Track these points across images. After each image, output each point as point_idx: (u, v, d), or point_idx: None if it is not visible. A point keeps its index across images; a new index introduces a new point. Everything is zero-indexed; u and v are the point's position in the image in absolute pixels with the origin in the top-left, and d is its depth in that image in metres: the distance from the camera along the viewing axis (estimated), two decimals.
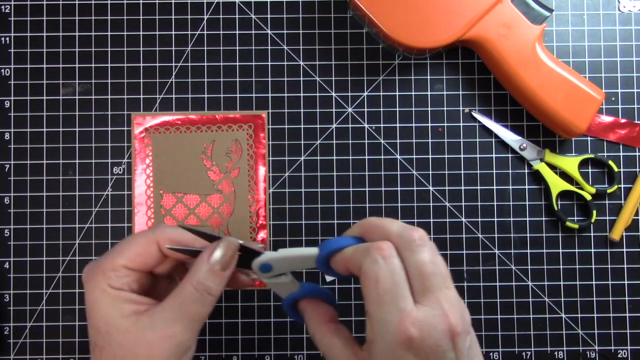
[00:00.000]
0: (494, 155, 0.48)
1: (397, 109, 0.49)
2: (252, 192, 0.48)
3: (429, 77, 0.49)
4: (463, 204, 0.48)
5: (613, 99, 0.49)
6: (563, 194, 0.48)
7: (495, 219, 0.48)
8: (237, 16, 0.49)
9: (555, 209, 0.47)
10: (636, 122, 0.48)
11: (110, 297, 0.33)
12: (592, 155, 0.47)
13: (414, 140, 0.48)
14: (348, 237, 0.34)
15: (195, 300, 0.33)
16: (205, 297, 0.33)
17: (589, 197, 0.46)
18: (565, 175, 0.48)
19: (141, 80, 0.49)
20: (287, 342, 0.48)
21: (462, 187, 0.48)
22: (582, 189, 0.47)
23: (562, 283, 0.48)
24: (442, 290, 0.30)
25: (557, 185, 0.47)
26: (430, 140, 0.48)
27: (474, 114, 0.47)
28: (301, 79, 0.49)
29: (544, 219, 0.48)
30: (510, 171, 0.48)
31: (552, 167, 0.48)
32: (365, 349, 0.31)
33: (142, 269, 0.34)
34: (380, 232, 0.32)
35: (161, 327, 0.32)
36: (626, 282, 0.48)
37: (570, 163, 0.47)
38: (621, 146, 0.48)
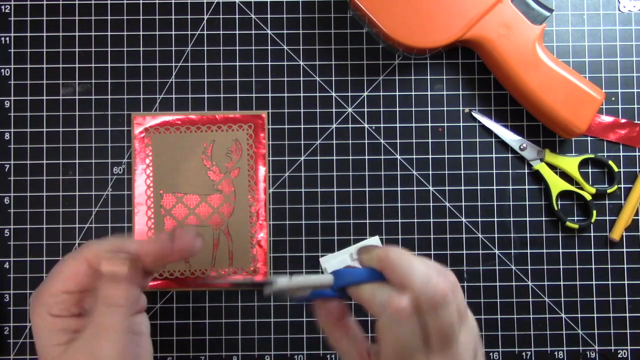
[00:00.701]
0: (494, 155, 0.48)
1: (397, 109, 0.49)
2: (252, 192, 0.48)
3: (429, 77, 0.49)
4: (463, 204, 0.48)
5: (613, 99, 0.49)
6: (563, 194, 0.48)
7: (495, 219, 0.48)
8: (237, 16, 0.49)
9: (555, 209, 0.47)
10: (636, 122, 0.48)
11: (48, 325, 0.33)
12: (592, 155, 0.47)
13: (414, 140, 0.48)
14: (364, 269, 0.33)
15: (106, 314, 0.33)
16: (115, 310, 0.33)
17: (589, 197, 0.46)
18: (565, 175, 0.48)
19: (141, 80, 0.49)
20: (287, 342, 0.48)
21: (462, 187, 0.48)
22: (582, 189, 0.47)
23: (562, 283, 0.48)
24: (458, 340, 0.30)
25: (557, 185, 0.47)
26: (430, 140, 0.48)
27: (473, 114, 0.47)
28: (301, 79, 0.49)
29: (544, 219, 0.48)
30: (510, 171, 0.48)
31: (552, 167, 0.48)
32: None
33: (79, 290, 0.34)
34: (400, 278, 0.31)
35: (86, 346, 0.32)
36: (626, 282, 0.48)
37: (570, 163, 0.47)
38: (621, 146, 0.48)
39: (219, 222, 0.48)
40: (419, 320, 0.30)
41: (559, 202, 0.48)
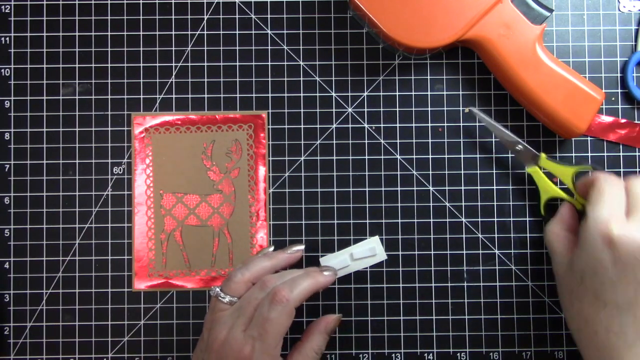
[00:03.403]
0: (494, 155, 0.48)
1: (397, 109, 0.49)
2: (252, 192, 0.48)
3: (429, 77, 0.49)
4: (463, 204, 0.48)
5: (613, 99, 0.49)
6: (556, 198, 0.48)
7: (495, 219, 0.48)
8: (237, 16, 0.49)
9: (542, 214, 0.47)
10: (636, 122, 0.48)
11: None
12: (589, 168, 0.46)
13: (414, 140, 0.48)
14: None
15: (313, 356, 0.42)
16: (317, 357, 0.42)
17: (578, 206, 0.46)
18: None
19: (141, 80, 0.49)
20: (287, 342, 0.47)
21: (462, 187, 0.48)
22: (574, 197, 0.46)
23: None
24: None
25: (547, 191, 0.46)
26: (430, 140, 0.48)
27: (472, 110, 0.47)
28: (301, 79, 0.49)
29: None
30: (510, 171, 0.48)
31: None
32: (574, 248, 0.40)
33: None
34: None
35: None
36: None
37: (565, 172, 0.46)
38: (621, 146, 0.48)
39: (219, 222, 0.48)
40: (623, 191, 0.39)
41: (547, 208, 0.47)
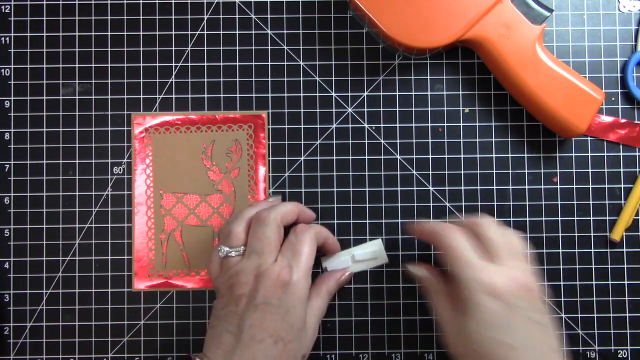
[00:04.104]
0: (494, 155, 0.48)
1: (397, 109, 0.49)
2: (252, 192, 0.48)
3: (429, 77, 0.49)
4: (463, 204, 0.48)
5: (613, 99, 0.49)
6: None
7: (495, 219, 0.48)
8: (237, 16, 0.49)
9: None
10: (636, 122, 0.48)
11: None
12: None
13: (414, 140, 0.48)
14: None
15: (326, 296, 0.44)
16: (329, 298, 0.45)
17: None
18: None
19: (141, 80, 0.49)
20: None
21: (462, 187, 0.48)
22: None
23: (562, 283, 0.48)
24: (510, 259, 0.39)
25: None
26: (430, 140, 0.48)
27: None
28: (301, 79, 0.49)
29: (544, 219, 0.48)
30: (510, 171, 0.48)
31: None
32: (460, 310, 0.39)
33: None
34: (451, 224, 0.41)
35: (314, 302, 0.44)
36: (626, 282, 0.48)
37: None
38: (621, 146, 0.48)
39: (219, 222, 0.48)
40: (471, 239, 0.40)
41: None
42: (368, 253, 0.47)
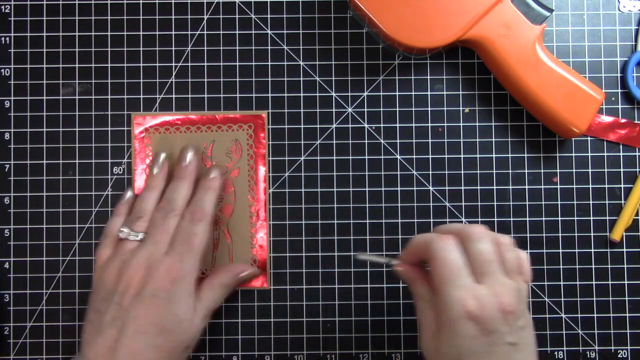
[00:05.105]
0: (494, 155, 0.48)
1: (397, 109, 0.49)
2: (252, 192, 0.48)
3: (429, 77, 0.49)
4: (463, 204, 0.48)
5: (613, 99, 0.49)
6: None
7: (495, 219, 0.48)
8: (237, 16, 0.49)
9: None
10: (636, 122, 0.48)
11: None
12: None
13: (414, 140, 0.48)
14: None
15: (219, 290, 0.44)
16: (224, 292, 0.44)
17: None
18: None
19: (141, 80, 0.49)
20: (287, 342, 0.48)
21: (462, 187, 0.48)
22: None
23: (562, 283, 0.48)
24: (497, 276, 0.36)
25: None
26: (430, 140, 0.48)
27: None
28: (301, 79, 0.49)
29: (544, 219, 0.48)
30: (510, 171, 0.48)
31: None
32: (439, 325, 0.37)
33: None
34: (443, 231, 0.39)
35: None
36: (626, 282, 0.48)
37: None
38: (621, 146, 0.48)
39: (219, 222, 0.48)
40: (460, 251, 0.37)
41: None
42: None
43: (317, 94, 0.49)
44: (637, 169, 0.48)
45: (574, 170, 0.48)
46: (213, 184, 0.44)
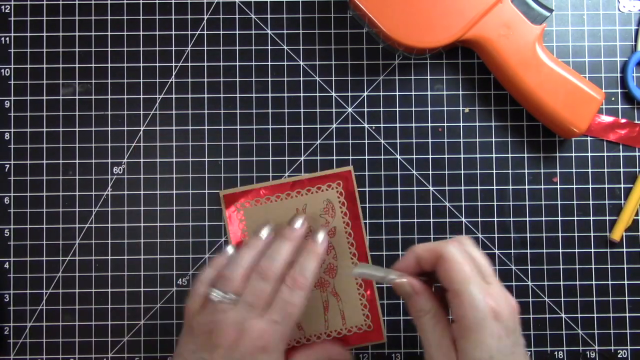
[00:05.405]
0: (494, 155, 0.48)
1: (397, 109, 0.49)
2: (353, 249, 0.47)
3: (429, 77, 0.49)
4: (463, 204, 0.48)
5: (613, 99, 0.49)
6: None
7: (495, 219, 0.48)
8: (237, 16, 0.49)
9: None
10: (636, 122, 0.48)
11: None
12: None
13: (414, 140, 0.48)
14: None
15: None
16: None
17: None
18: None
19: (141, 80, 0.49)
20: None
21: (462, 187, 0.48)
22: None
23: (562, 283, 0.48)
24: (495, 278, 0.37)
25: None
26: (430, 140, 0.48)
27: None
28: (301, 79, 0.49)
29: (544, 219, 0.48)
30: (510, 171, 0.48)
31: None
32: (455, 326, 0.36)
33: None
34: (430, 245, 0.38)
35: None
36: (626, 282, 0.48)
37: None
38: (621, 146, 0.48)
39: (324, 284, 0.47)
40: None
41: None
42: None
43: (317, 94, 0.49)
44: (637, 169, 0.48)
45: (574, 170, 0.48)
46: (319, 250, 0.42)
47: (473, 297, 0.35)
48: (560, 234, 0.48)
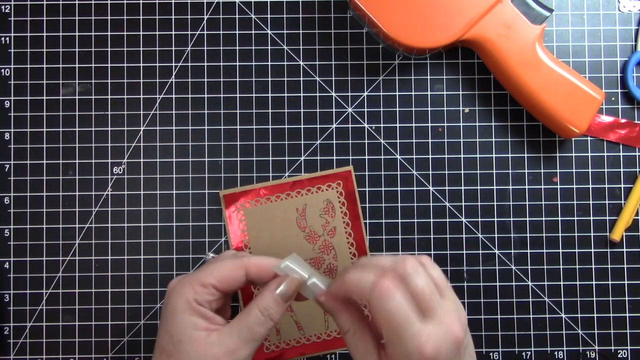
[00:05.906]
0: (494, 155, 0.48)
1: (397, 109, 0.49)
2: (352, 249, 0.47)
3: (429, 77, 0.49)
4: (463, 204, 0.48)
5: (613, 99, 0.49)
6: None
7: (495, 219, 0.48)
8: (237, 16, 0.49)
9: None
10: (636, 122, 0.48)
11: (191, 309, 0.36)
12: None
13: (414, 140, 0.48)
14: None
15: (259, 323, 0.36)
16: (267, 321, 0.36)
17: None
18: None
19: (141, 80, 0.49)
20: None
21: (462, 187, 0.48)
22: None
23: (562, 283, 0.48)
24: (440, 305, 0.33)
25: None
26: (430, 140, 0.48)
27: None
28: (301, 79, 0.49)
29: (544, 219, 0.48)
30: (510, 171, 0.48)
31: None
32: (385, 357, 0.34)
33: (226, 291, 0.37)
34: (373, 267, 0.34)
35: (227, 344, 0.35)
36: (626, 282, 0.48)
37: None
38: (621, 146, 0.48)
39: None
40: (403, 294, 0.33)
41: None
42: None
43: (317, 94, 0.49)
44: (637, 169, 0.48)
45: (574, 170, 0.48)
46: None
47: (405, 350, 0.32)
48: (560, 234, 0.48)
